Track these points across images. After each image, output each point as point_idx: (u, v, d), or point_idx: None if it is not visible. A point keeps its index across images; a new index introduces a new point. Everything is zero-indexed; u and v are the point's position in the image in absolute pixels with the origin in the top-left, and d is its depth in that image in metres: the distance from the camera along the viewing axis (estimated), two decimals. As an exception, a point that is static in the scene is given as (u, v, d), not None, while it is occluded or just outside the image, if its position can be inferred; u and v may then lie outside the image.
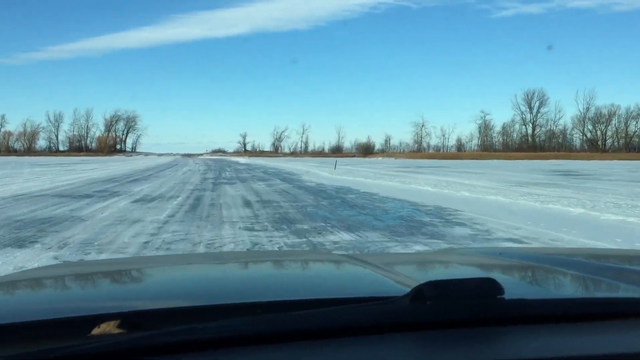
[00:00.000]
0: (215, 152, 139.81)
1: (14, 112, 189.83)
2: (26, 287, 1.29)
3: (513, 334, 0.78)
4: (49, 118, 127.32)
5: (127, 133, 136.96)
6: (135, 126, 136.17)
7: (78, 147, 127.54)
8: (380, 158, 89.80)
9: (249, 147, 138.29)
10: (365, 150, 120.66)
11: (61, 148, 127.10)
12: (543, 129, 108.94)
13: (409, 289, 0.80)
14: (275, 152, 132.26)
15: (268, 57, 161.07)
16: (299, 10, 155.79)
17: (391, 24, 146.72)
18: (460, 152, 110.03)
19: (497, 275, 0.94)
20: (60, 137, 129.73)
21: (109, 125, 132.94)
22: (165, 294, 1.12)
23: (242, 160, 70.60)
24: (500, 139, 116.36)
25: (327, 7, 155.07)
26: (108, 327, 0.79)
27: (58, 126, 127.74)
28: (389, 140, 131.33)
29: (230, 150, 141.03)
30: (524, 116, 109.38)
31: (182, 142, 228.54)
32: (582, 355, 0.72)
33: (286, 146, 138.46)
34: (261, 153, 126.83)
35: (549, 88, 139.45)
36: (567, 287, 1.25)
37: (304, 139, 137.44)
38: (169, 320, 0.85)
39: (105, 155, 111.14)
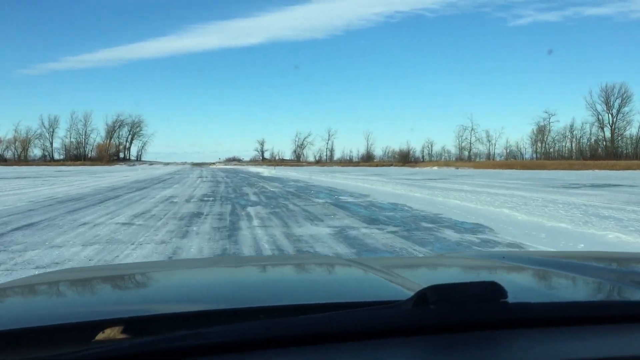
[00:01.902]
0: (229, 160, 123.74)
1: (15, 121, 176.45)
2: (30, 293, 1.26)
3: (517, 338, 0.77)
4: (42, 123, 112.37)
5: (132, 140, 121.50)
6: (141, 132, 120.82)
7: (76, 156, 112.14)
8: (435, 168, 71.88)
9: (267, 155, 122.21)
10: (404, 158, 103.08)
11: (58, 157, 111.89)
12: (622, 131, 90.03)
13: (412, 293, 0.79)
14: (297, 160, 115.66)
15: (284, 66, 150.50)
16: (315, 20, 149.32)
17: (408, 32, 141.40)
18: (516, 160, 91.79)
19: (500, 279, 0.91)
20: (57, 145, 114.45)
21: (111, 131, 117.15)
22: (170, 299, 1.10)
23: (265, 171, 50.76)
24: (562, 145, 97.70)
25: (343, 17, 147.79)
26: (112, 333, 0.79)
27: (53, 132, 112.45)
28: (431, 146, 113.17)
29: (247, 158, 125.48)
30: (600, 117, 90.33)
31: (198, 151, 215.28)
32: (587, 359, 0.71)
33: (310, 154, 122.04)
34: (282, 162, 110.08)
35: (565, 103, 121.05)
36: (571, 291, 1.23)
37: (329, 146, 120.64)
38: (174, 325, 0.84)
39: (104, 165, 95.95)
